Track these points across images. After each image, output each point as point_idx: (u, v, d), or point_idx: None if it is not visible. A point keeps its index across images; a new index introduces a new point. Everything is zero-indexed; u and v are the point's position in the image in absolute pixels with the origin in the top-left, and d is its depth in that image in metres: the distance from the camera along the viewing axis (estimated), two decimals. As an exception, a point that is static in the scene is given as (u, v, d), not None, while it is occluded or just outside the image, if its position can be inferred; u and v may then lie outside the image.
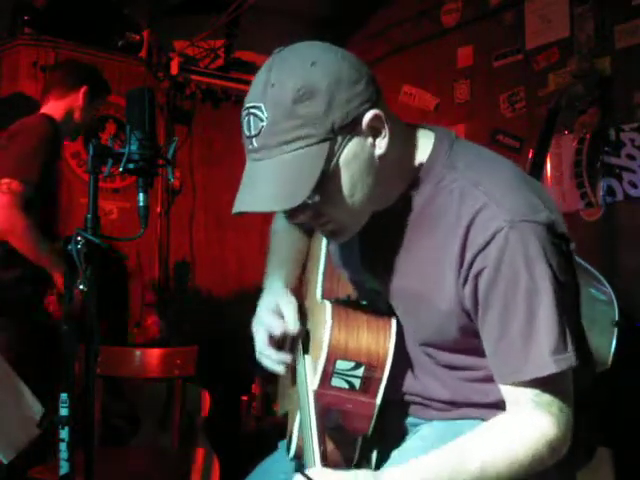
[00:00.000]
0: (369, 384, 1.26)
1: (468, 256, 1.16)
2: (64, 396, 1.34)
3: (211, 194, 4.16)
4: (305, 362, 1.36)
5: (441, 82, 3.54)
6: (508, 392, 1.19)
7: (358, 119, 1.13)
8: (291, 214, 1.18)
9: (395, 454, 1.33)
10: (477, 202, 1.15)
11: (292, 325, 1.36)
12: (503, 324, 1.15)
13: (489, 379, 1.22)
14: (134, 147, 1.38)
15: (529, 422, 1.16)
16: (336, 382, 1.26)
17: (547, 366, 1.13)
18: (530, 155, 2.67)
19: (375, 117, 1.14)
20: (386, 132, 1.16)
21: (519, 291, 1.13)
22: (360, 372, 1.26)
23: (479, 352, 1.21)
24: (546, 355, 1.12)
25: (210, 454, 3.29)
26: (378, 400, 1.27)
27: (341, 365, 1.26)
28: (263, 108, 1.11)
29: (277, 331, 1.37)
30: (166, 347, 3.20)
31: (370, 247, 1.31)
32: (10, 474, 1.84)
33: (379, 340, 1.27)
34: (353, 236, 1.26)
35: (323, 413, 1.26)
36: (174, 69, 3.92)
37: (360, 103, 1.13)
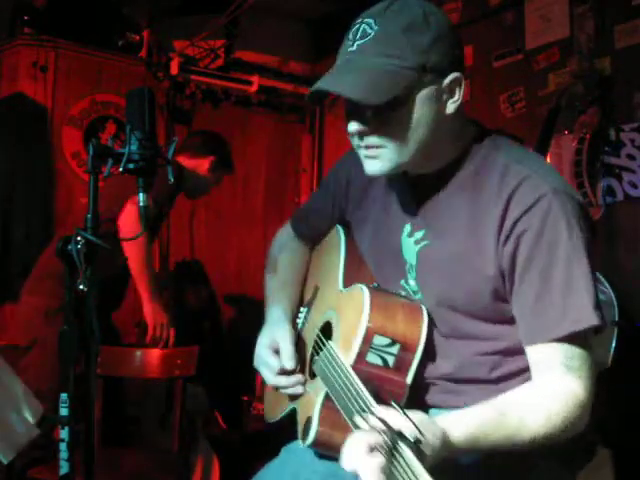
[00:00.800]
0: (402, 363, 1.30)
1: (511, 218, 1.23)
2: (64, 396, 1.34)
3: (211, 194, 4.15)
4: (332, 346, 1.38)
5: (441, 82, 3.54)
6: (540, 354, 1.23)
7: (445, 73, 1.23)
8: (354, 117, 1.24)
9: None
10: (520, 174, 1.24)
11: (287, 362, 1.45)
12: (543, 283, 1.21)
13: (500, 351, 1.28)
14: (134, 147, 1.38)
15: (564, 385, 1.20)
16: (371, 358, 1.30)
17: (587, 319, 1.19)
18: (530, 155, 2.67)
19: (457, 79, 1.24)
20: (459, 97, 1.26)
21: (560, 252, 1.20)
22: (395, 350, 1.30)
23: (503, 320, 1.27)
24: (586, 308, 1.19)
25: (210, 454, 3.29)
26: (409, 380, 1.30)
27: (378, 340, 1.30)
28: (374, 24, 1.21)
29: (277, 369, 1.46)
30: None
31: (417, 208, 1.37)
32: (10, 474, 1.84)
33: (414, 322, 1.32)
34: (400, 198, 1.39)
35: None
36: (174, 69, 3.92)
37: (452, 62, 1.24)
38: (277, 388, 1.49)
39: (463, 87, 1.26)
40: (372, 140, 1.25)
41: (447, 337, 1.34)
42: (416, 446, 0.97)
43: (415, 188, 1.38)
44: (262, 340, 1.52)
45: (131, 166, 1.39)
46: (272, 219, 4.35)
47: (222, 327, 4.05)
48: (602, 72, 2.90)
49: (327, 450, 1.33)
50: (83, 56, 3.74)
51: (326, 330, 1.47)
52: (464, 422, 1.13)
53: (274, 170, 4.41)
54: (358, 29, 1.22)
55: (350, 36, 1.23)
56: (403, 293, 1.41)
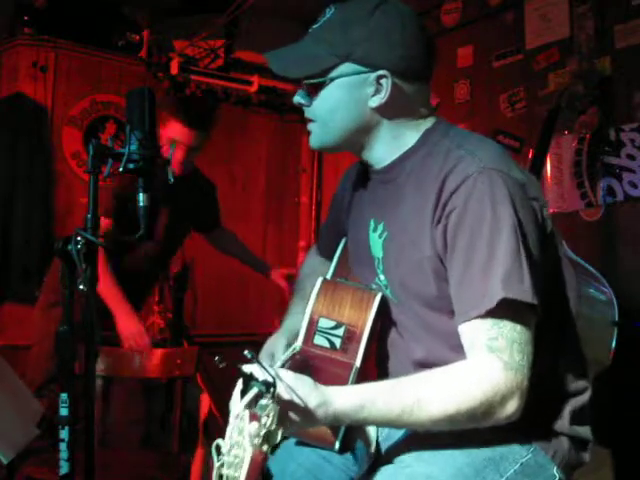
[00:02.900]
0: (349, 345, 1.35)
1: (443, 198, 1.26)
2: (64, 396, 1.34)
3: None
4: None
5: (441, 82, 3.54)
6: (465, 334, 1.23)
7: (372, 68, 1.31)
8: (298, 93, 1.39)
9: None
10: (456, 157, 1.28)
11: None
12: (466, 261, 1.22)
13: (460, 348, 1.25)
14: (134, 147, 1.38)
15: (476, 367, 1.19)
16: (318, 340, 1.37)
17: (497, 293, 1.17)
18: (530, 155, 2.67)
19: (381, 77, 1.31)
20: (385, 95, 1.32)
21: (483, 229, 1.21)
22: (341, 332, 1.36)
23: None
24: (498, 284, 1.18)
25: (210, 454, 3.29)
26: (357, 362, 1.33)
27: (323, 323, 1.37)
28: (331, 11, 1.35)
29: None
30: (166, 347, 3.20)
31: (377, 202, 1.44)
32: (10, 474, 1.84)
33: (361, 308, 1.37)
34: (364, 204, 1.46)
35: (298, 366, 1.32)
36: (174, 69, 3.92)
37: (383, 59, 1.30)
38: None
39: (389, 87, 1.31)
40: (307, 114, 1.39)
41: (416, 326, 1.37)
42: (264, 387, 1.04)
43: (375, 183, 1.44)
44: (264, 348, 1.60)
45: (131, 166, 1.39)
46: (272, 219, 4.35)
47: (222, 327, 4.05)
48: (602, 72, 2.90)
49: (300, 437, 1.39)
50: (83, 56, 3.74)
51: None
52: (355, 389, 1.20)
53: (274, 170, 4.41)
54: (323, 13, 1.36)
55: (320, 17, 1.36)
56: (374, 287, 1.43)
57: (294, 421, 1.14)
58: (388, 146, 1.38)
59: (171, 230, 2.94)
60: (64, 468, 1.34)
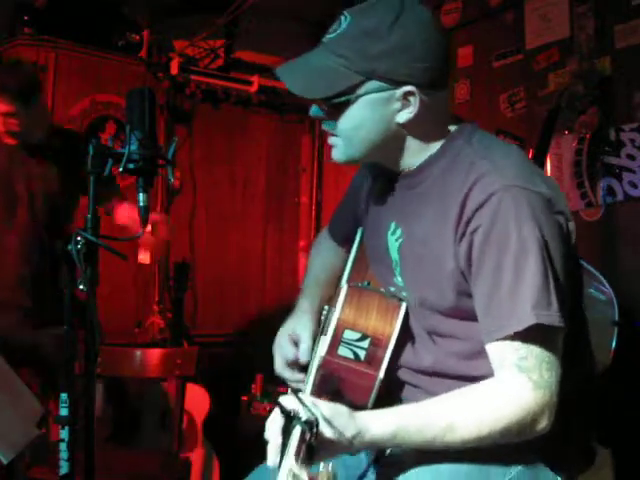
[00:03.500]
0: (373, 357, 1.34)
1: (466, 215, 1.24)
2: (64, 396, 1.34)
3: (211, 194, 4.16)
4: (320, 341, 1.46)
5: (441, 82, 3.54)
6: (494, 354, 1.22)
7: (396, 84, 1.26)
8: (315, 103, 1.34)
9: None
10: (479, 170, 1.25)
11: (304, 355, 1.53)
12: (493, 281, 1.21)
13: (478, 350, 1.26)
14: (134, 147, 1.38)
15: (507, 387, 1.19)
16: (342, 351, 1.35)
17: (527, 318, 1.17)
18: (530, 155, 2.67)
19: (408, 93, 1.27)
20: (413, 110, 1.28)
21: (509, 250, 1.19)
22: (365, 344, 1.34)
23: (476, 318, 1.26)
24: (527, 308, 1.17)
25: (210, 454, 3.29)
26: (380, 374, 1.34)
27: (348, 335, 1.35)
28: (346, 20, 1.28)
29: (290, 357, 1.55)
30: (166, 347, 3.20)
31: (398, 206, 1.42)
32: (10, 474, 1.84)
33: (387, 319, 1.36)
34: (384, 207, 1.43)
35: (324, 379, 1.34)
36: (174, 69, 3.92)
37: (407, 75, 1.26)
38: (281, 374, 1.57)
39: (417, 101, 1.27)
40: (327, 127, 1.35)
41: (429, 333, 1.36)
42: (307, 426, 1.05)
43: (397, 186, 1.42)
44: (285, 327, 1.60)
45: (131, 166, 1.39)
46: (272, 219, 4.35)
47: (222, 327, 4.05)
48: (602, 72, 2.90)
49: None
50: (83, 56, 3.73)
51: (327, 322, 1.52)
52: (387, 415, 1.19)
53: (274, 170, 4.41)
54: (337, 21, 1.29)
55: (332, 25, 1.30)
56: (393, 289, 1.42)
57: (331, 453, 1.15)
58: (414, 156, 1.36)
59: (36, 211, 2.75)
60: (64, 468, 1.35)
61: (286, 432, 1.07)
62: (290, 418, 1.07)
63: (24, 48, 3.60)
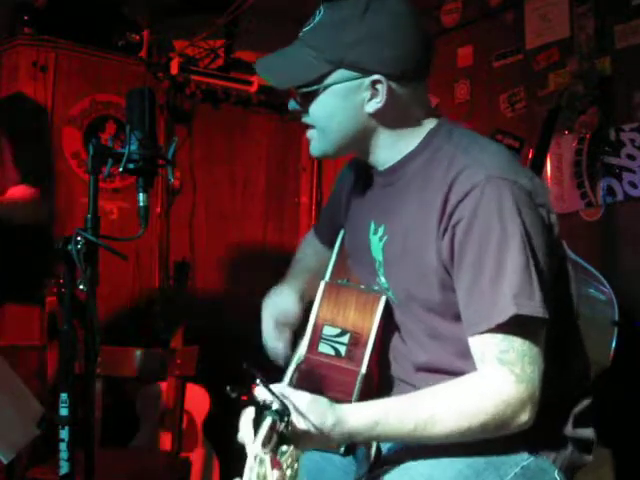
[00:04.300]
0: (354, 352, 1.33)
1: (448, 208, 1.24)
2: (64, 396, 1.34)
3: (211, 194, 4.15)
4: (301, 340, 1.44)
5: (441, 82, 3.54)
6: (476, 347, 1.22)
7: (365, 72, 1.27)
8: (293, 98, 1.36)
9: None
10: (461, 163, 1.26)
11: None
12: (475, 273, 1.21)
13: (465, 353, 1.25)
14: (134, 147, 1.38)
15: (488, 381, 1.19)
16: (323, 348, 1.35)
17: (508, 309, 1.17)
18: (530, 155, 2.67)
19: (376, 82, 1.27)
20: (381, 100, 1.28)
21: (491, 241, 1.19)
22: (345, 339, 1.34)
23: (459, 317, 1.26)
24: (509, 299, 1.17)
25: (210, 454, 3.29)
26: (362, 369, 1.32)
27: (327, 331, 1.35)
28: (321, 13, 1.30)
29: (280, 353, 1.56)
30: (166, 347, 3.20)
31: (378, 205, 1.42)
32: (10, 474, 1.84)
33: (365, 313, 1.35)
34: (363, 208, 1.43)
35: (305, 377, 1.33)
36: (174, 69, 3.92)
37: (376, 64, 1.27)
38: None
39: (386, 91, 1.27)
40: (305, 119, 1.37)
41: (419, 330, 1.36)
42: (278, 415, 1.06)
43: (377, 185, 1.42)
44: (269, 312, 1.60)
45: (131, 166, 1.39)
46: (272, 219, 4.35)
47: (222, 327, 4.04)
48: (602, 72, 2.90)
49: None
50: (83, 56, 3.73)
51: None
52: (367, 406, 1.19)
53: (274, 170, 4.41)
54: (313, 14, 1.32)
55: (310, 19, 1.33)
56: (376, 288, 1.42)
57: (311, 443, 1.15)
58: (390, 150, 1.36)
59: None
60: (64, 468, 1.35)
61: (257, 423, 1.06)
62: (261, 408, 1.07)
63: (24, 48, 3.59)
